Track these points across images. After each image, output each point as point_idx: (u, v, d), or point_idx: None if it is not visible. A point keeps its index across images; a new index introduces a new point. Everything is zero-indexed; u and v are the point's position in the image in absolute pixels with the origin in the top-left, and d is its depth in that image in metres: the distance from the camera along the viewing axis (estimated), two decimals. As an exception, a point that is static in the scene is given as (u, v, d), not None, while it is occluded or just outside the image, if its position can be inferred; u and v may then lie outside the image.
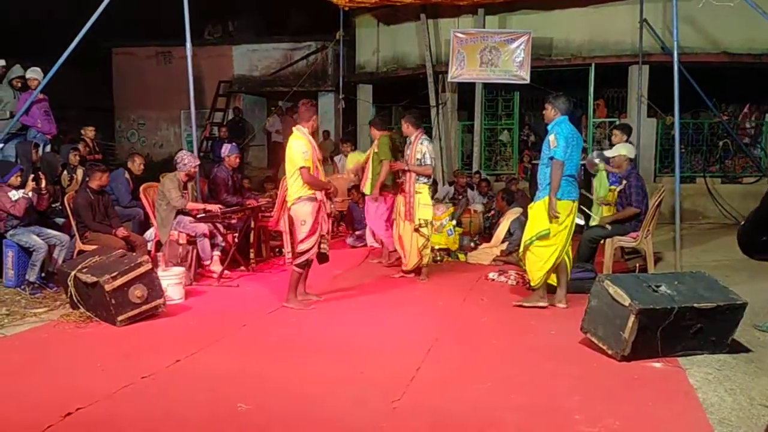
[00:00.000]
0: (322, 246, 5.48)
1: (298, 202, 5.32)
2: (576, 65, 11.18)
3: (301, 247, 5.39)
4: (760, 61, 10.46)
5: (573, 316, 5.08)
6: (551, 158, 5.19)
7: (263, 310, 5.42)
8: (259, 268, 7.22)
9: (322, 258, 5.58)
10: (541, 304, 5.40)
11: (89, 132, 8.78)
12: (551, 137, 5.22)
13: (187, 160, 6.62)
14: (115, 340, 4.58)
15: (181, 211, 6.51)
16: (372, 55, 13.53)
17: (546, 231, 5.24)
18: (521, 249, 5.53)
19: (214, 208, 6.63)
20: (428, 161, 6.47)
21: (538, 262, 5.34)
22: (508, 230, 7.87)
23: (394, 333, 4.92)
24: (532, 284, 5.48)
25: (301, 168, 5.25)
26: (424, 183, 6.52)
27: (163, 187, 6.54)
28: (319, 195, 5.38)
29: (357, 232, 8.89)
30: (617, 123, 9.55)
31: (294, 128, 5.50)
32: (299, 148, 5.29)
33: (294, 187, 5.34)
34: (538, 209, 5.36)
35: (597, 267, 6.30)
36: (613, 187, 7.24)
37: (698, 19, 10.22)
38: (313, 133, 5.56)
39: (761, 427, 3.16)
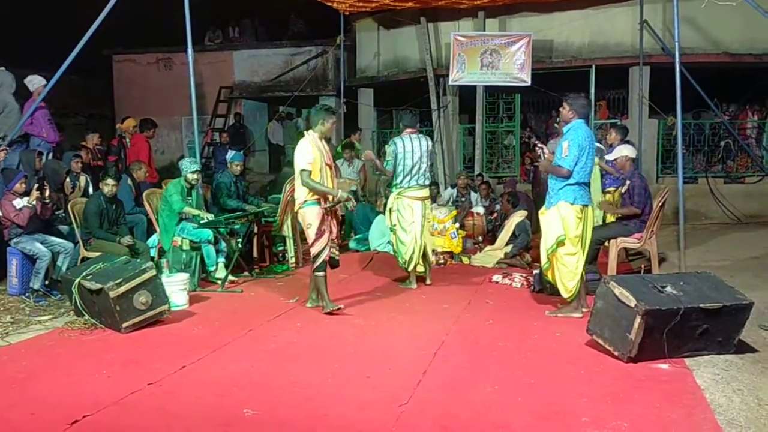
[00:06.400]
0: (332, 251, 5.45)
1: (304, 206, 5.36)
2: (576, 67, 11.18)
3: (313, 251, 5.39)
4: (761, 61, 10.47)
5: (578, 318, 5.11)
6: (558, 165, 5.04)
7: (268, 315, 5.41)
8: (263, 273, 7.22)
9: (333, 263, 5.56)
10: (575, 315, 5.18)
11: (93, 139, 8.77)
12: (564, 144, 5.02)
13: (185, 166, 6.68)
14: (120, 346, 4.58)
15: (184, 218, 6.52)
16: (373, 59, 13.55)
17: (562, 237, 5.07)
18: (545, 261, 5.27)
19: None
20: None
21: (569, 273, 5.12)
22: (513, 233, 7.85)
23: (399, 337, 4.91)
24: (566, 296, 5.21)
25: (301, 171, 5.30)
26: (395, 185, 6.38)
27: (166, 191, 6.57)
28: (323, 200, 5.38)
29: (358, 235, 8.87)
30: (617, 124, 9.52)
31: (305, 132, 5.52)
32: (300, 151, 5.35)
33: (300, 191, 5.37)
34: (550, 216, 5.18)
35: (600, 268, 6.29)
36: (611, 189, 7.23)
37: (699, 20, 10.23)
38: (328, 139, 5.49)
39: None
